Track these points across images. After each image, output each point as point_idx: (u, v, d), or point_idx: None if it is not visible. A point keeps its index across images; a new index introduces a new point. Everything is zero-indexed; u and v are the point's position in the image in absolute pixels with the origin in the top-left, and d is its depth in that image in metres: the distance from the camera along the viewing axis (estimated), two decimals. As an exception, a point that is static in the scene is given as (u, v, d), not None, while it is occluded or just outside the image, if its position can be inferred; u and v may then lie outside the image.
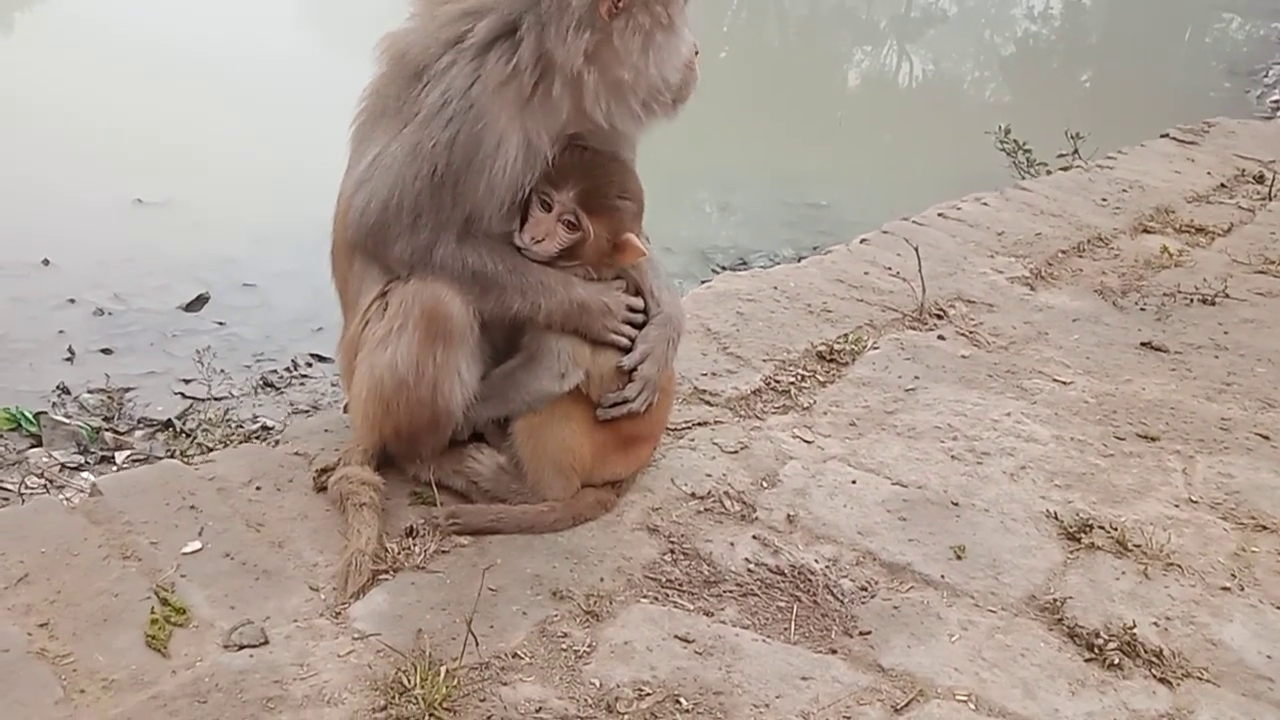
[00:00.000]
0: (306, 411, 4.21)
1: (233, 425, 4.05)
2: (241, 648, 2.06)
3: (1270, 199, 5.21)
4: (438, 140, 2.26)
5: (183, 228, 5.92)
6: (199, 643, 2.07)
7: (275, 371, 4.75)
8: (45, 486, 3.48)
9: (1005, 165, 6.25)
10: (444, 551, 2.36)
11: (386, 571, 2.28)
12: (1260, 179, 5.43)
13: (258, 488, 2.49)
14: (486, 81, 2.26)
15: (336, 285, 2.55)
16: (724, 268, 5.58)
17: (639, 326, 2.52)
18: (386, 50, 2.39)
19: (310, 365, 4.81)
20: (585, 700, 2.04)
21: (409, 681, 1.99)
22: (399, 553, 2.32)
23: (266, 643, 2.08)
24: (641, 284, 2.56)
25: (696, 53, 2.43)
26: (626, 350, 2.49)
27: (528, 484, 2.48)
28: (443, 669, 2.01)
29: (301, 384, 4.74)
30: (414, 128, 2.29)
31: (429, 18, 2.33)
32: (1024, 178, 5.61)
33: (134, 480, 2.50)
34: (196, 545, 2.29)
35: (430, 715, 1.94)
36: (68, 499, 2.65)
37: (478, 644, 2.09)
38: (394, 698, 1.97)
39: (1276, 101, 10.28)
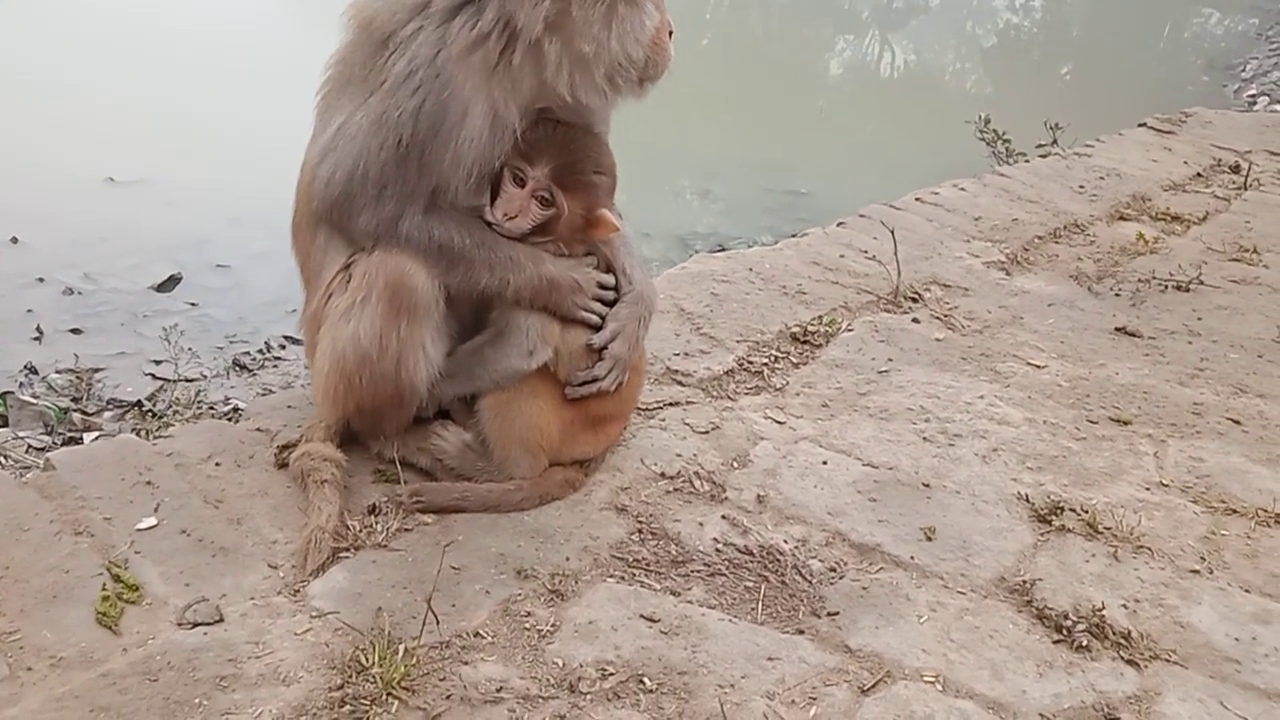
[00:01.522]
0: (285, 390, 4.15)
1: (203, 407, 3.99)
2: (195, 625, 2.01)
3: (1245, 188, 5.22)
4: (404, 109, 2.21)
5: (156, 207, 5.84)
6: (151, 620, 2.02)
7: (248, 353, 4.70)
8: (6, 466, 3.41)
9: (985, 155, 6.25)
10: (407, 530, 2.32)
11: (347, 549, 2.24)
12: (1236, 169, 5.45)
13: (217, 464, 2.44)
14: (452, 48, 2.21)
15: (298, 258, 2.50)
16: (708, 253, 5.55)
17: (610, 304, 2.48)
18: (353, 18, 2.33)
19: (284, 347, 4.76)
20: (547, 680, 2.00)
21: (367, 660, 1.95)
22: (361, 530, 2.28)
23: (221, 620, 2.03)
24: (613, 261, 2.52)
25: (670, 33, 2.38)
26: (597, 328, 2.45)
27: (494, 462, 2.44)
28: (401, 648, 1.98)
29: (274, 366, 4.68)
30: (380, 96, 2.24)
31: None
32: (1003, 167, 5.60)
33: (88, 455, 2.44)
34: (152, 521, 2.23)
35: (388, 694, 1.90)
36: (20, 474, 2.59)
37: (438, 623, 2.05)
38: (351, 676, 1.93)
39: (1253, 95, 10.35)
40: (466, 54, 2.21)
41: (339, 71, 2.33)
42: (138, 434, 3.47)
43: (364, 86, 2.26)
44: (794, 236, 4.56)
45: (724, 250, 5.80)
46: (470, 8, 2.21)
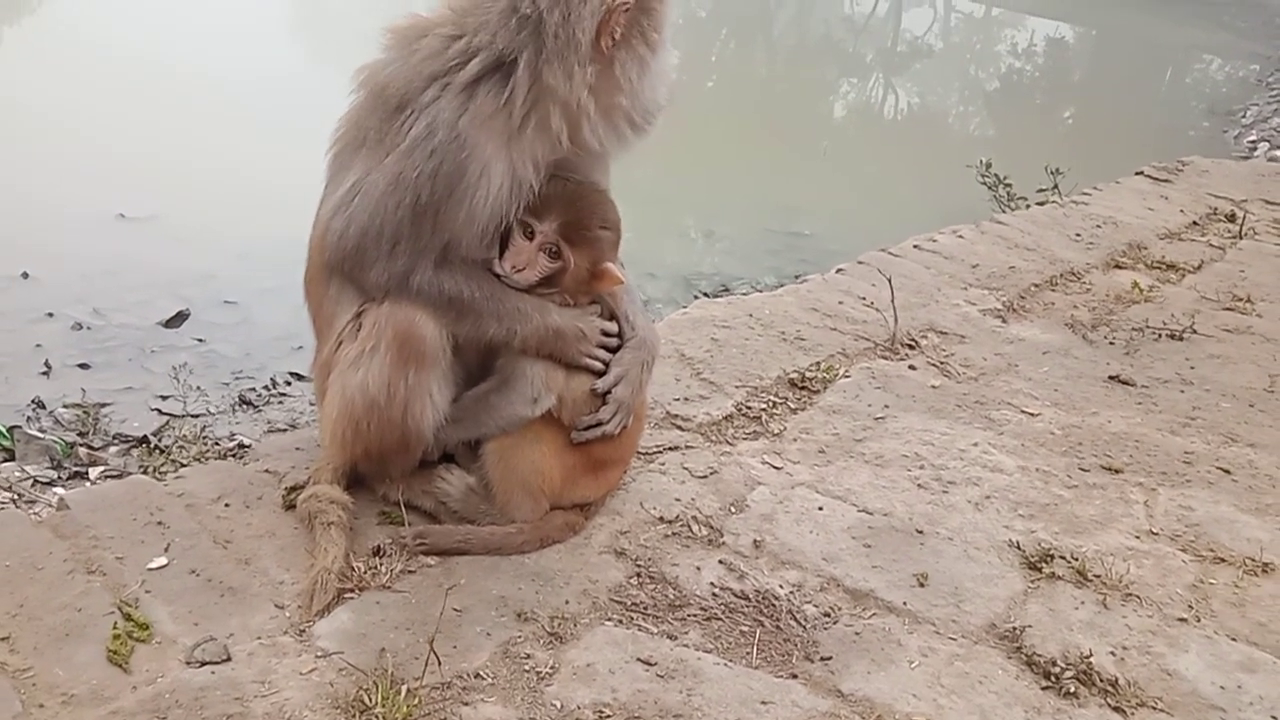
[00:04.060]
0: (285, 430, 4.21)
1: (209, 442, 4.05)
2: (203, 664, 2.06)
3: (1240, 237, 5.30)
4: (421, 170, 2.29)
5: (165, 243, 5.92)
6: (161, 659, 2.07)
7: (254, 389, 4.76)
8: (14, 500, 3.47)
9: (986, 199, 6.34)
10: (410, 571, 2.37)
11: (352, 590, 2.29)
12: (1232, 217, 5.53)
13: (226, 504, 2.50)
14: (475, 114, 2.28)
15: (310, 309, 2.57)
16: (707, 294, 5.63)
17: (614, 351, 2.55)
18: (365, 82, 2.42)
19: (289, 384, 4.82)
20: (545, 721, 2.05)
21: (370, 700, 2.00)
22: (365, 572, 2.33)
23: (229, 659, 2.09)
24: (616, 309, 2.59)
25: None
26: (600, 374, 2.52)
27: (496, 505, 2.50)
28: (404, 688, 2.03)
29: (280, 402, 4.74)
30: (396, 157, 2.32)
31: (409, 51, 2.36)
32: (1004, 211, 5.69)
33: (102, 495, 2.50)
34: (162, 561, 2.30)
35: (390, 734, 1.95)
36: (35, 513, 2.65)
37: (440, 664, 2.10)
38: (355, 716, 1.98)
39: (1254, 141, 10.47)
40: (489, 120, 2.29)
41: (351, 132, 2.42)
42: (145, 471, 3.53)
43: (379, 148, 2.34)
44: (795, 280, 4.64)
45: (728, 291, 5.90)
46: (494, 78, 2.29)
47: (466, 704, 2.06)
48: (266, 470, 2.65)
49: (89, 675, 2.01)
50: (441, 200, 2.28)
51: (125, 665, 2.04)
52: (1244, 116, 11.57)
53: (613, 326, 2.56)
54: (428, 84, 2.30)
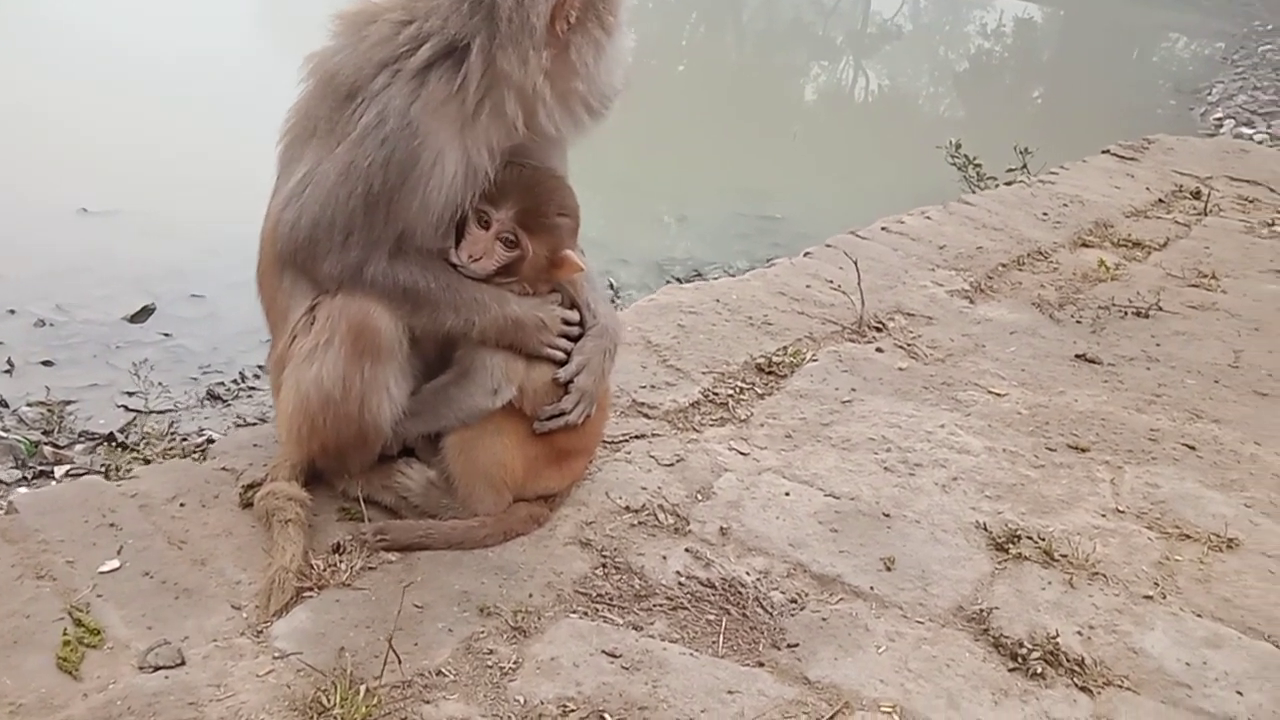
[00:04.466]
0: (255, 425, 4.16)
1: (177, 438, 3.98)
2: (157, 669, 2.01)
3: (1206, 214, 5.33)
4: (373, 159, 2.24)
5: (129, 237, 5.82)
6: (113, 664, 2.02)
7: (222, 384, 4.69)
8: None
9: (956, 180, 6.34)
10: (371, 568, 2.33)
11: (311, 589, 2.25)
12: (1197, 194, 5.55)
13: (181, 504, 2.45)
14: (427, 101, 2.24)
15: (264, 303, 2.52)
16: (679, 280, 5.61)
17: (575, 339, 2.52)
18: (314, 70, 2.37)
19: (258, 377, 4.75)
20: (509, 717, 2.02)
21: (328, 701, 1.96)
22: (325, 569, 2.29)
23: (183, 663, 2.04)
24: (577, 297, 2.56)
25: None
26: (562, 364, 2.48)
27: (458, 499, 2.47)
28: (363, 688, 1.99)
29: (250, 397, 4.67)
30: (347, 146, 2.27)
31: (358, 37, 2.31)
32: (974, 192, 5.68)
33: (51, 497, 2.45)
34: (115, 564, 2.24)
35: (349, 735, 1.92)
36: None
37: (400, 662, 2.07)
38: (313, 717, 1.95)
39: (1219, 119, 10.54)
40: (441, 105, 2.24)
41: (301, 123, 2.36)
42: (106, 471, 3.47)
43: (330, 137, 2.29)
44: (766, 265, 4.62)
45: (700, 276, 5.88)
46: (445, 63, 2.24)
47: (428, 702, 2.03)
48: (224, 468, 2.60)
49: (38, 683, 1.96)
50: (394, 189, 2.24)
51: (75, 672, 1.99)
52: (1210, 94, 11.64)
53: (574, 315, 2.52)
54: (378, 71, 2.25)
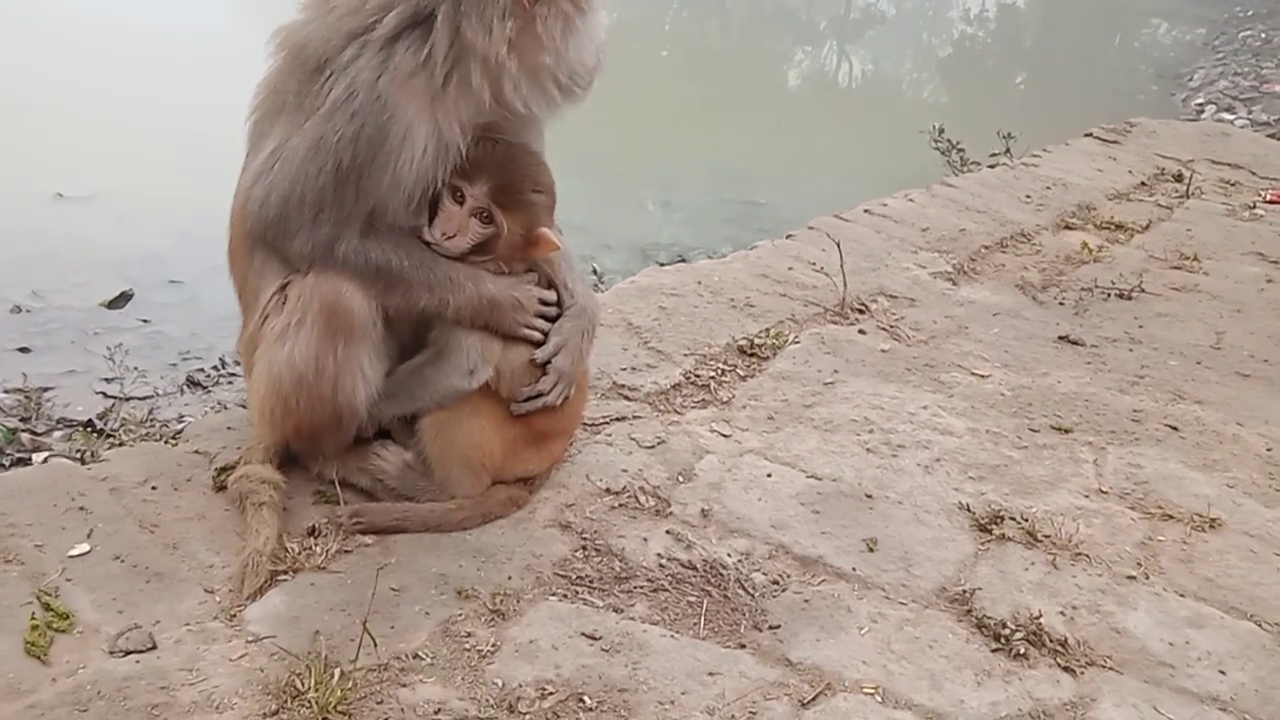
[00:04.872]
0: (229, 409, 4.11)
1: (156, 425, 3.93)
2: (127, 653, 1.98)
3: (1187, 197, 5.33)
4: (342, 134, 2.20)
5: (106, 222, 5.76)
6: (82, 649, 1.98)
7: (202, 370, 4.66)
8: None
9: (940, 164, 6.33)
10: (347, 551, 2.30)
11: (286, 572, 2.21)
12: (1179, 177, 5.55)
13: (154, 488, 2.41)
14: (395, 73, 2.20)
15: (235, 283, 2.48)
16: (664, 264, 5.59)
17: (553, 320, 2.48)
18: (283, 44, 2.32)
19: (238, 363, 4.70)
20: (486, 701, 1.99)
21: (302, 684, 1.93)
22: (300, 553, 2.25)
23: (154, 648, 2.00)
24: (554, 277, 2.52)
25: None
26: (540, 344, 2.45)
27: (435, 481, 2.43)
28: (338, 671, 1.96)
29: (230, 383, 4.63)
30: (316, 121, 2.23)
31: (325, 9, 2.26)
32: (957, 176, 5.67)
33: (19, 481, 2.39)
34: (85, 548, 2.20)
35: (323, 719, 1.88)
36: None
37: (376, 645, 2.03)
38: (286, 702, 1.91)
39: (1201, 104, 10.56)
40: (410, 79, 2.20)
41: (270, 98, 2.31)
42: (81, 457, 3.42)
43: (299, 112, 2.24)
44: (749, 248, 4.59)
45: (684, 260, 5.86)
46: (413, 33, 2.20)
47: (404, 685, 2.00)
48: (197, 451, 2.55)
49: (5, 668, 1.92)
50: (364, 165, 2.19)
51: (44, 657, 1.95)
52: (1191, 80, 11.66)
53: (551, 295, 2.49)
54: (346, 42, 2.20)
